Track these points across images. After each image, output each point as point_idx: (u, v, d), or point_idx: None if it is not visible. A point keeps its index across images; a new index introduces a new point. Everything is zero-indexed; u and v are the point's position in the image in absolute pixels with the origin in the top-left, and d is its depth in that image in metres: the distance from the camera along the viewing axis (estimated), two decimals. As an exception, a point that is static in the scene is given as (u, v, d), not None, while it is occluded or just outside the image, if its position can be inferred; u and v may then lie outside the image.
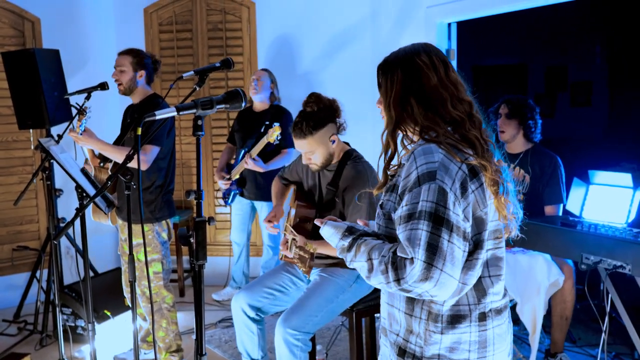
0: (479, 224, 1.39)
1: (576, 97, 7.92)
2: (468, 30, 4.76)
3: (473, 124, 1.45)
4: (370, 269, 1.36)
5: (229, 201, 4.21)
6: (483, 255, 1.40)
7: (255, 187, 4.14)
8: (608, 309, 2.49)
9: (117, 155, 2.98)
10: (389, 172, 1.53)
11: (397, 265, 1.30)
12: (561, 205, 3.29)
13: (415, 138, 1.48)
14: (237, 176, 4.09)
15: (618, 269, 2.28)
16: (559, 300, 3.11)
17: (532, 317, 2.98)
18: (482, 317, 1.42)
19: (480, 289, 1.42)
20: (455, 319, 1.40)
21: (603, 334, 2.54)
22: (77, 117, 2.93)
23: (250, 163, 3.88)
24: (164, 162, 3.11)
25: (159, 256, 3.14)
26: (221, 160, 4.34)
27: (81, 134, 2.89)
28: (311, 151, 2.59)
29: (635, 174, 3.14)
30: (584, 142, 7.04)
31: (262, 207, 4.20)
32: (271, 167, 3.99)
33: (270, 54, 4.69)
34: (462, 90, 1.48)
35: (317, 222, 1.50)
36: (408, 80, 1.44)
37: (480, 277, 1.41)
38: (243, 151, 4.00)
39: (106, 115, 4.04)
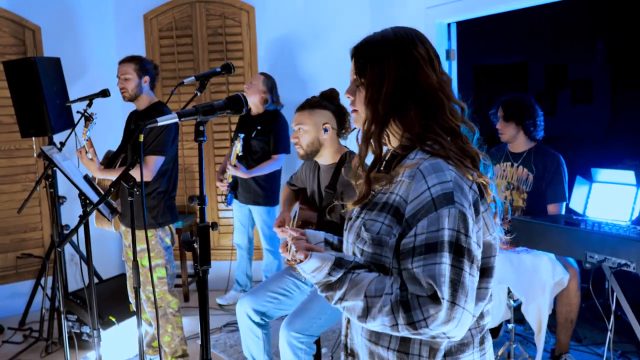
0: (487, 249, 1.24)
1: (577, 94, 7.92)
2: (468, 30, 4.77)
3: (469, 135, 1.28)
4: (368, 310, 1.16)
5: (228, 202, 4.23)
6: (492, 285, 1.25)
7: (248, 191, 4.16)
8: (613, 307, 2.48)
9: (115, 177, 2.99)
10: (375, 187, 1.29)
11: (409, 305, 1.11)
12: (564, 204, 3.29)
13: (395, 144, 1.30)
14: (230, 179, 4.11)
15: (623, 267, 2.27)
16: (564, 303, 3.10)
17: (538, 317, 2.97)
18: (482, 340, 1.28)
19: (480, 313, 1.29)
20: (458, 349, 1.24)
21: (609, 333, 2.54)
22: (83, 123, 2.93)
23: (231, 169, 3.90)
24: (168, 168, 3.12)
25: (163, 261, 3.14)
26: (223, 162, 4.37)
27: (86, 141, 2.90)
28: (299, 126, 2.59)
29: (638, 171, 3.13)
30: (585, 139, 7.04)
31: (256, 211, 4.23)
32: (255, 173, 4.00)
33: (270, 58, 4.69)
34: (452, 91, 1.30)
35: (300, 254, 1.24)
36: (403, 76, 1.23)
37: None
38: (230, 160, 4.03)
39: (108, 122, 4.05)
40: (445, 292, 1.10)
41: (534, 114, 3.33)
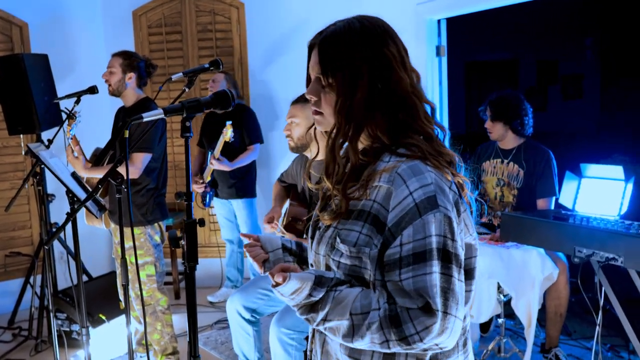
0: (467, 250, 1.18)
1: (567, 90, 7.96)
2: (460, 26, 4.77)
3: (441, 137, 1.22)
4: (355, 328, 1.08)
5: (207, 204, 4.23)
6: (474, 288, 1.20)
7: (227, 186, 4.20)
8: (602, 301, 2.50)
9: (102, 174, 2.98)
10: (351, 195, 1.18)
11: (399, 320, 1.05)
12: (553, 199, 3.30)
13: (362, 145, 1.20)
14: (209, 178, 4.12)
15: (610, 261, 2.29)
16: (553, 297, 3.12)
17: (527, 311, 2.99)
18: (465, 342, 1.23)
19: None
20: (445, 354, 1.17)
21: (597, 327, 2.55)
22: (66, 122, 2.91)
23: (215, 163, 3.91)
24: (156, 165, 3.10)
25: (152, 259, 3.13)
26: (194, 165, 4.40)
27: (71, 139, 2.88)
28: (292, 119, 2.59)
29: (627, 167, 3.15)
30: (576, 135, 7.07)
31: (238, 205, 4.26)
32: (237, 164, 4.06)
33: (260, 54, 4.68)
34: (422, 89, 1.21)
35: (277, 277, 1.13)
36: (375, 82, 1.14)
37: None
38: (210, 153, 4.03)
39: (97, 118, 4.02)
40: (438, 303, 1.05)
41: (521, 112, 3.33)
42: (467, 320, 1.24)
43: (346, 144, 1.21)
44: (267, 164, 4.61)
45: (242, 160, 4.09)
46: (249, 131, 4.14)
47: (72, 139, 2.90)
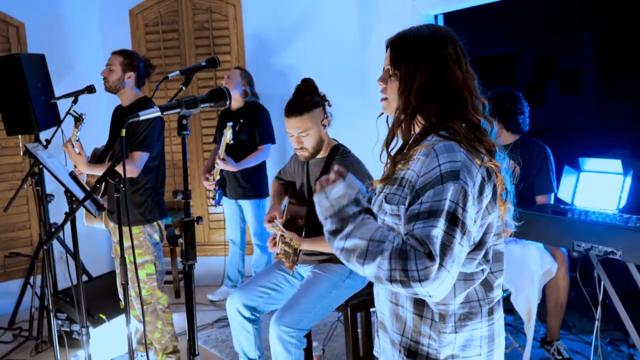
0: (486, 227, 1.37)
1: (565, 85, 7.96)
2: (456, 22, 4.75)
3: (485, 111, 1.43)
4: (368, 252, 1.25)
5: (217, 201, 4.22)
6: (480, 257, 1.37)
7: (237, 185, 4.16)
8: (601, 295, 2.50)
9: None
10: (398, 163, 1.42)
11: (406, 255, 1.21)
12: (552, 195, 3.30)
13: (417, 129, 1.43)
14: (218, 176, 4.09)
15: (609, 255, 2.29)
16: (553, 288, 3.12)
17: (527, 306, 2.99)
18: (490, 311, 1.40)
19: (487, 285, 1.40)
20: (467, 316, 1.37)
21: (596, 321, 2.55)
22: (74, 124, 2.90)
23: (220, 164, 3.88)
24: (154, 164, 3.10)
25: (152, 257, 3.13)
26: (208, 161, 4.36)
27: (77, 141, 2.88)
28: (305, 131, 2.53)
29: (625, 160, 3.15)
30: (574, 129, 7.07)
31: (245, 205, 4.22)
32: (244, 165, 4.00)
33: (257, 52, 4.67)
34: (476, 87, 1.44)
35: (332, 174, 1.35)
36: (433, 75, 1.37)
37: (487, 273, 1.41)
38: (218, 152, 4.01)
39: (95, 118, 4.01)
40: (437, 252, 1.21)
41: (516, 111, 3.32)
42: (497, 292, 1.43)
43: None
44: (282, 163, 4.58)
45: (250, 161, 4.03)
46: (261, 131, 4.07)
47: (78, 140, 2.89)
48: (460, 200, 1.25)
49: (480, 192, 1.31)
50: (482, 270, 1.39)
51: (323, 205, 1.33)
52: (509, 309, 3.28)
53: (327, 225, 1.32)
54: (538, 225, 2.58)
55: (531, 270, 2.96)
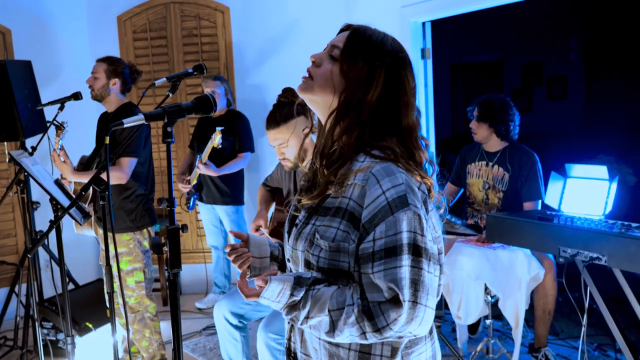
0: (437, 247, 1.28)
1: (552, 91, 8.03)
2: (445, 28, 4.80)
3: (418, 134, 1.30)
4: (334, 323, 1.17)
5: (190, 206, 4.21)
6: (443, 281, 1.31)
7: (215, 190, 4.19)
8: (587, 301, 2.52)
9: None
10: (331, 190, 1.25)
11: (372, 314, 1.14)
12: (539, 201, 3.32)
13: (342, 143, 1.27)
14: (195, 181, 4.11)
15: (594, 260, 2.30)
16: (540, 295, 3.13)
17: (515, 312, 3.00)
18: (431, 331, 1.32)
19: None
20: (413, 342, 1.27)
21: (583, 327, 2.57)
22: (55, 132, 2.89)
23: (202, 167, 3.88)
24: (143, 170, 3.09)
25: (141, 265, 3.11)
26: (182, 165, 4.40)
27: (60, 149, 2.86)
28: (284, 143, 2.52)
29: (611, 166, 3.18)
30: (562, 135, 7.13)
31: (223, 211, 4.25)
32: (224, 170, 4.03)
33: (245, 59, 4.67)
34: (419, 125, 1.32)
35: (257, 281, 1.22)
36: (388, 92, 1.24)
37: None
38: (199, 157, 4.01)
39: (82, 125, 3.99)
40: (406, 294, 1.14)
41: (507, 117, 3.35)
42: (435, 312, 1.29)
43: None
44: (257, 169, 4.60)
45: (230, 167, 4.07)
46: (241, 139, 4.13)
47: (61, 148, 2.88)
48: (416, 227, 1.17)
49: (426, 209, 1.22)
50: None
51: (270, 304, 1.23)
52: (496, 315, 3.29)
53: (283, 316, 1.24)
54: (524, 231, 2.59)
55: (519, 276, 2.98)
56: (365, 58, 1.24)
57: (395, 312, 1.13)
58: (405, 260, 1.15)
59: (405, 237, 1.15)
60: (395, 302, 1.14)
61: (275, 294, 1.20)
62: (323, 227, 1.23)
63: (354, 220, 1.20)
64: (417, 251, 1.16)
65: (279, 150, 2.55)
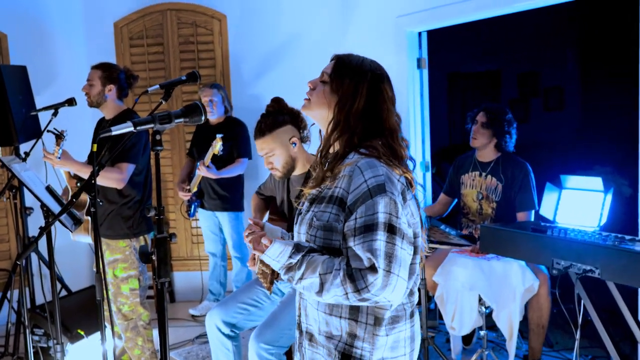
0: (413, 231, 1.51)
1: (549, 101, 8.04)
2: (441, 38, 4.80)
3: (400, 135, 1.57)
4: (322, 285, 1.40)
5: (191, 214, 4.22)
6: (418, 261, 1.54)
7: (215, 197, 4.19)
8: (580, 314, 2.50)
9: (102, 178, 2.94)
10: (322, 185, 1.55)
11: (354, 277, 1.37)
12: (533, 212, 3.32)
13: (338, 146, 1.55)
14: (196, 188, 4.11)
15: (588, 273, 2.29)
16: (535, 308, 3.12)
17: (509, 323, 2.99)
18: (412, 314, 1.57)
19: (410, 290, 1.56)
20: (395, 319, 1.51)
21: (576, 340, 2.55)
22: (55, 142, 2.86)
23: (203, 169, 3.89)
24: (140, 177, 3.08)
25: (136, 272, 3.09)
26: (181, 173, 4.38)
27: (59, 158, 2.84)
28: (270, 152, 2.52)
29: (606, 177, 3.17)
30: (557, 146, 7.13)
31: (223, 217, 4.24)
32: (223, 174, 4.03)
33: (242, 67, 4.67)
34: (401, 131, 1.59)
35: (264, 240, 1.49)
36: (371, 101, 1.52)
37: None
38: (198, 164, 4.01)
39: (78, 130, 3.96)
40: (381, 263, 1.37)
41: (509, 129, 3.37)
42: (416, 297, 1.59)
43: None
44: (256, 177, 4.58)
45: (229, 171, 4.07)
46: (239, 145, 4.13)
47: (60, 159, 2.85)
48: (392, 210, 1.41)
49: (404, 198, 1.47)
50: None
51: (270, 263, 1.49)
52: (490, 326, 3.28)
53: (282, 275, 1.49)
54: (518, 242, 2.58)
55: (513, 287, 2.97)
56: (350, 76, 1.54)
57: (373, 276, 1.36)
58: (381, 235, 1.39)
59: (381, 217, 1.40)
60: (372, 269, 1.37)
61: (276, 254, 1.46)
62: (320, 212, 1.50)
63: (342, 204, 1.47)
64: (392, 229, 1.40)
65: (267, 159, 2.55)
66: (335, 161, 1.54)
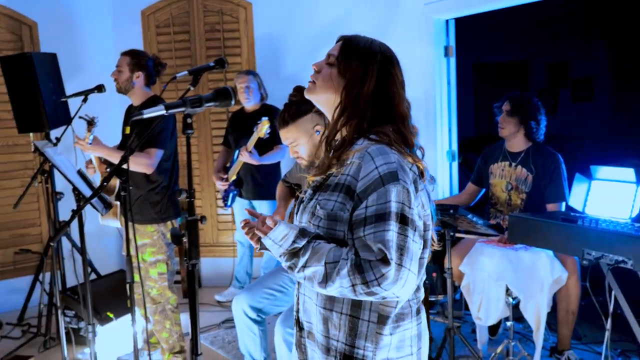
0: (424, 223, 1.41)
1: (577, 92, 7.87)
2: (468, 27, 4.73)
3: (410, 122, 1.47)
4: (328, 275, 1.29)
5: (229, 203, 4.22)
6: (427, 255, 1.43)
7: (253, 185, 4.16)
8: (611, 305, 2.46)
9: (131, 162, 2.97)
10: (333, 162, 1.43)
11: (362, 268, 1.27)
12: (563, 203, 3.26)
13: (345, 132, 1.44)
14: (234, 177, 4.10)
15: (620, 264, 2.25)
16: (564, 295, 3.08)
17: (536, 314, 2.95)
18: (418, 311, 1.46)
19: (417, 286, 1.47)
20: (400, 317, 1.40)
21: (607, 332, 2.51)
22: (87, 128, 2.90)
23: (246, 155, 3.88)
24: (168, 163, 3.11)
25: (164, 257, 3.13)
26: (218, 162, 4.36)
27: (90, 144, 2.88)
28: (295, 142, 2.51)
29: (639, 169, 3.10)
30: (587, 138, 7.00)
31: (261, 206, 4.21)
32: (265, 160, 4.01)
33: (268, 54, 4.67)
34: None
35: (268, 220, 1.37)
36: (381, 85, 1.42)
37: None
38: (237, 152, 4.00)
39: (107, 117, 4.02)
40: (393, 255, 1.26)
41: (537, 115, 3.31)
42: (422, 292, 1.48)
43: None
44: (288, 165, 4.59)
45: (269, 157, 4.04)
46: (277, 132, 4.11)
47: (91, 144, 2.89)
48: (404, 199, 1.31)
49: (416, 188, 1.37)
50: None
51: (272, 247, 1.36)
52: (518, 317, 3.25)
53: (283, 263, 1.36)
54: (548, 232, 2.54)
55: (541, 278, 2.93)
56: (358, 58, 1.43)
57: (385, 268, 1.25)
58: (393, 225, 1.28)
59: (394, 206, 1.29)
60: (384, 261, 1.26)
61: (279, 237, 1.34)
62: (324, 200, 1.39)
63: (349, 192, 1.35)
64: (404, 220, 1.30)
65: (292, 149, 2.55)
66: (342, 148, 1.43)
